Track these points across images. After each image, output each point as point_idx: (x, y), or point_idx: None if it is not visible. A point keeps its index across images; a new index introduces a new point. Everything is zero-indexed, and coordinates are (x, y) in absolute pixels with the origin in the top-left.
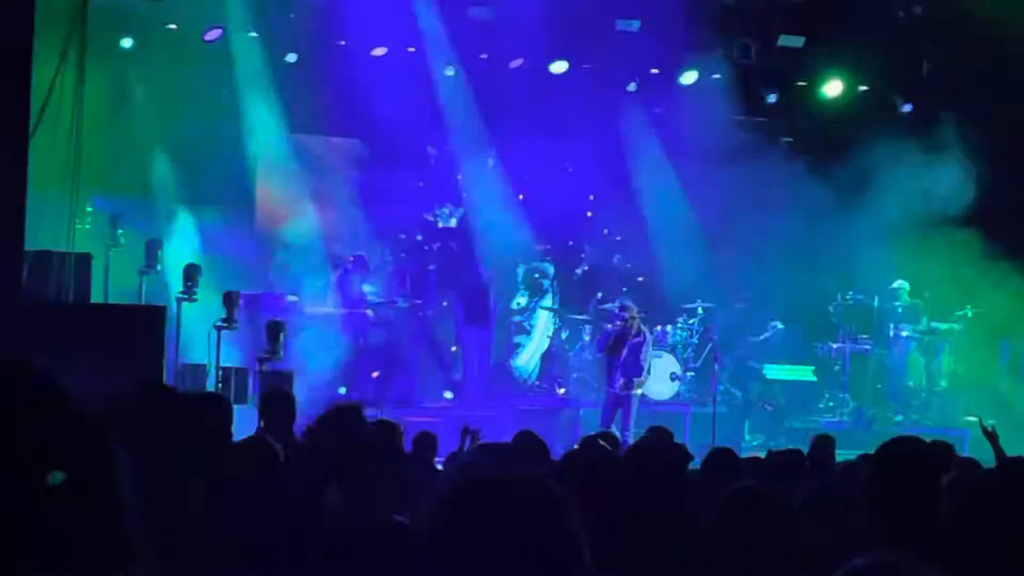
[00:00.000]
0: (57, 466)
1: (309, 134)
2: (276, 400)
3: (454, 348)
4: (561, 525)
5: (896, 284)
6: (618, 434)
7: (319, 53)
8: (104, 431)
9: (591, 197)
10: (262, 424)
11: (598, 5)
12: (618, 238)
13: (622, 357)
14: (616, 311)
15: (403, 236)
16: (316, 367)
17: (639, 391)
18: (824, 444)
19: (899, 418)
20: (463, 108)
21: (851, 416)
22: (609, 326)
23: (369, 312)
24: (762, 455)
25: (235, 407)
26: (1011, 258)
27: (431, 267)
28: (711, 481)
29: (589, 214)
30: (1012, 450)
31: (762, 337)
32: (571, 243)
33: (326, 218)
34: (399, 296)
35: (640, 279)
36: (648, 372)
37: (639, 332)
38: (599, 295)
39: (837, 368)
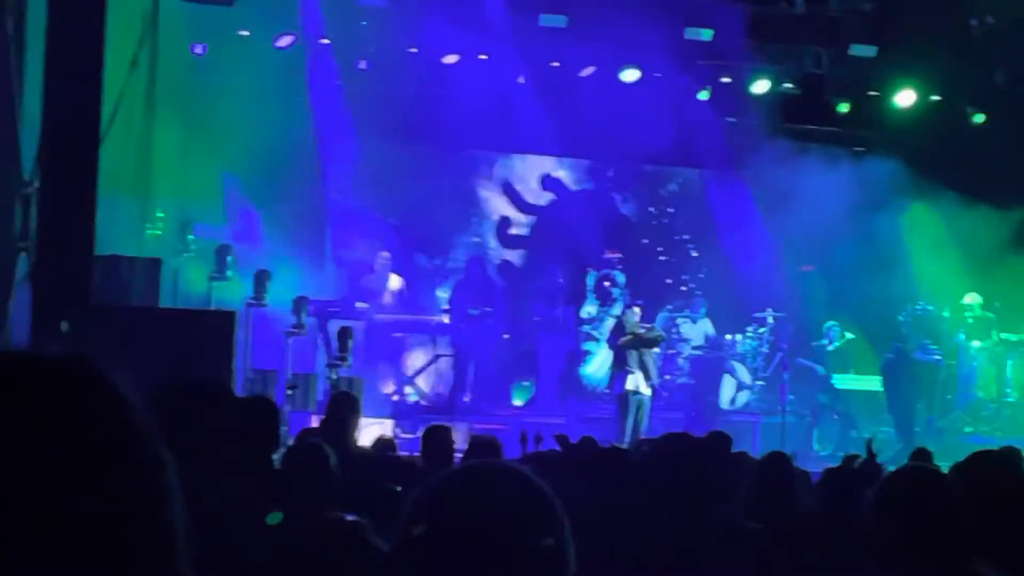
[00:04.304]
0: (112, 468)
1: (379, 140)
2: (340, 404)
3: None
4: (544, 516)
5: (969, 299)
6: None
7: (390, 60)
8: (158, 436)
9: (670, 210)
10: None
11: (669, 13)
12: (695, 254)
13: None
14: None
15: (476, 241)
16: (385, 374)
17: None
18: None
19: (969, 429)
20: (533, 116)
21: (921, 427)
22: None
23: (441, 319)
24: (833, 464)
25: (304, 413)
26: None
27: (503, 274)
28: None
29: (665, 220)
30: None
31: (832, 347)
32: (645, 241)
33: (396, 224)
34: (470, 303)
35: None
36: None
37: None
38: (669, 307)
39: None
